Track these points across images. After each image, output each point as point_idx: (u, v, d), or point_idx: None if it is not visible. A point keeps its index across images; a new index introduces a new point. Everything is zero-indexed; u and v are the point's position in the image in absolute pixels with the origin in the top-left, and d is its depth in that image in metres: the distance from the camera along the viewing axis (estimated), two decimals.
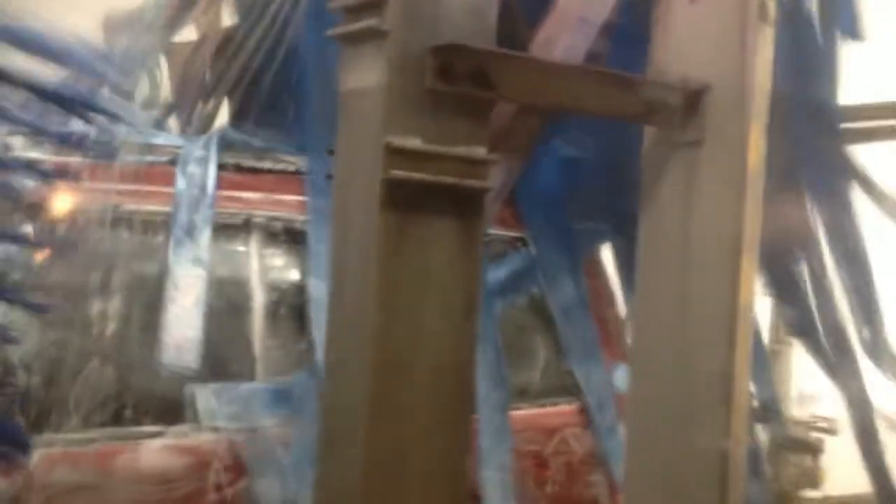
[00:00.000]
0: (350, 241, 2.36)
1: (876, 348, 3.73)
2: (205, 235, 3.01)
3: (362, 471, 2.25)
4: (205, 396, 2.90)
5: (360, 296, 2.30)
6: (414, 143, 2.31)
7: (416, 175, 2.30)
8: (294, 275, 3.28)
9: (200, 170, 3.05)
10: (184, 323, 2.90)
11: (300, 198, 3.26)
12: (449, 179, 2.35)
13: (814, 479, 5.25)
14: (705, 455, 2.68)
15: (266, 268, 3.16)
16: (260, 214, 3.20)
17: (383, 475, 2.27)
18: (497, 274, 3.64)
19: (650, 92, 2.80)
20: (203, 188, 3.08)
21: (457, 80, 2.37)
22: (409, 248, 2.31)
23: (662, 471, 2.76)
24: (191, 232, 3.02)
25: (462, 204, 2.38)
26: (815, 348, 3.70)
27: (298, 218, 3.21)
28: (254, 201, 3.25)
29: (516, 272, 3.68)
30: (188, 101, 3.59)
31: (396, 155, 2.28)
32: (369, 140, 2.32)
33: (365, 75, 2.35)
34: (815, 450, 5.31)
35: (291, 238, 3.23)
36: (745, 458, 2.70)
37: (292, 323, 3.20)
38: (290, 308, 3.19)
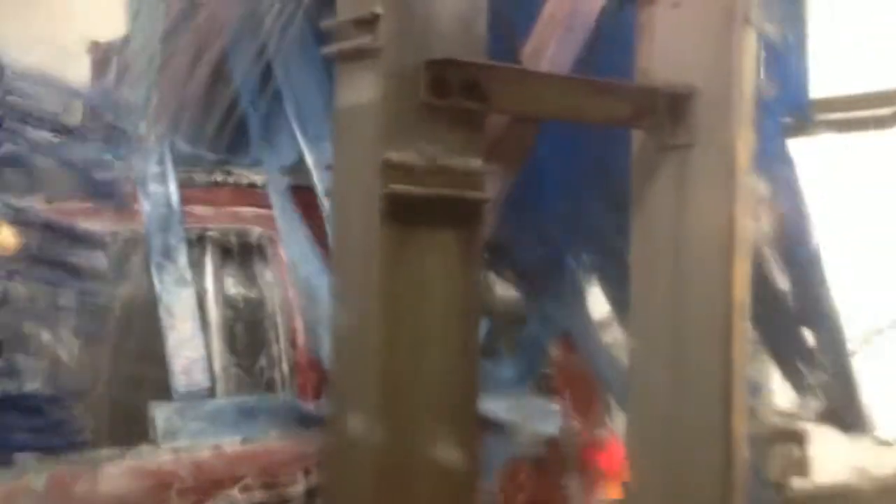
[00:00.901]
0: (352, 255, 2.39)
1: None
2: (182, 253, 3.00)
3: (374, 477, 2.29)
4: (165, 415, 2.84)
5: (363, 308, 2.34)
6: (411, 157, 2.35)
7: (415, 189, 2.34)
8: (252, 290, 3.22)
9: (162, 187, 3.04)
10: (188, 347, 2.90)
11: (256, 210, 3.22)
12: (447, 192, 2.39)
13: (802, 468, 5.28)
14: (708, 457, 2.73)
15: (222, 284, 3.14)
16: (214, 229, 3.15)
17: (393, 478, 2.31)
18: None
19: (638, 97, 2.86)
20: (169, 205, 3.07)
21: (450, 94, 2.41)
22: (410, 259, 2.35)
23: (665, 476, 2.80)
24: (168, 253, 3.01)
25: (460, 215, 2.43)
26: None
27: (255, 231, 3.16)
28: (207, 216, 3.19)
29: None
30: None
31: (394, 169, 2.32)
32: (367, 155, 2.36)
33: (360, 92, 2.39)
34: (800, 439, 5.34)
35: (248, 252, 3.18)
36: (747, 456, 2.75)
37: (250, 339, 3.15)
38: (248, 324, 3.14)
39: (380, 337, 2.31)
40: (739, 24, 2.85)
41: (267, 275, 3.20)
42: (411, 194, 2.33)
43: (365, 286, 2.34)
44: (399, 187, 2.31)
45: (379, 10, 2.35)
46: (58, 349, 2.72)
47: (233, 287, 3.17)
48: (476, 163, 2.45)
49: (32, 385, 2.67)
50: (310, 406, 3.03)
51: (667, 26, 2.94)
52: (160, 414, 2.85)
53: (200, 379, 2.87)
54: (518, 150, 2.80)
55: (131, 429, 2.84)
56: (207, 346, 2.99)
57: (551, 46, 2.86)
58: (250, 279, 3.19)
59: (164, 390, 2.90)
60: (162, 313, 2.95)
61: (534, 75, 2.67)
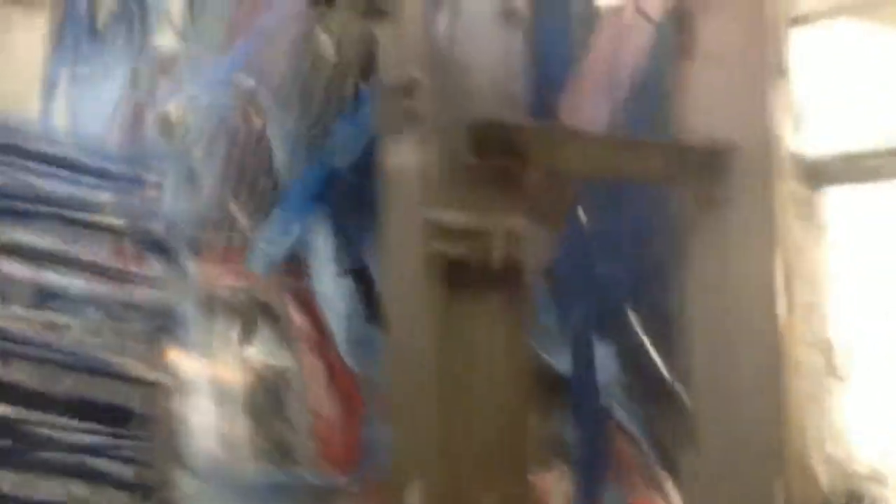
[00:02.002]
0: (401, 316, 2.41)
1: None
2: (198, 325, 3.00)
3: None
4: (192, 484, 2.81)
5: (415, 369, 2.35)
6: (456, 217, 2.38)
7: (461, 249, 2.36)
8: (273, 355, 3.19)
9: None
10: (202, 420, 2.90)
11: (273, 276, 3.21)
12: (492, 252, 2.41)
13: None
14: None
15: (242, 351, 3.12)
16: (232, 291, 3.13)
17: None
18: None
19: (675, 154, 2.87)
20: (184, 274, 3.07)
21: (491, 155, 2.45)
22: (457, 318, 2.36)
23: None
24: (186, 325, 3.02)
25: (506, 274, 2.44)
26: None
27: (273, 296, 3.14)
28: (223, 282, 3.18)
29: None
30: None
31: (440, 230, 2.35)
32: (412, 217, 2.39)
33: (404, 155, 2.43)
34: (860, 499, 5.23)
35: (261, 313, 3.16)
36: None
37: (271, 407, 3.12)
38: (269, 392, 3.11)
39: (429, 397, 2.32)
40: (774, 76, 2.88)
41: (288, 341, 3.18)
42: (456, 254, 2.35)
43: (413, 346, 2.36)
44: (444, 248, 2.33)
45: (418, 75, 2.40)
46: None
47: (254, 352, 3.17)
48: (519, 222, 2.47)
49: None
50: (335, 481, 3.01)
51: (702, 81, 2.96)
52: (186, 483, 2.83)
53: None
54: (560, 209, 2.83)
55: None
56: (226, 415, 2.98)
57: (588, 103, 2.90)
58: (272, 345, 3.19)
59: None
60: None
61: (571, 133, 2.71)
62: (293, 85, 3.04)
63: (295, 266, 3.26)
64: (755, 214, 2.86)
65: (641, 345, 3.36)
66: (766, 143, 2.85)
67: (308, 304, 3.20)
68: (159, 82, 3.33)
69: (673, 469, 3.31)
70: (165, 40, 3.36)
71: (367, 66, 2.56)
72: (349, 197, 3.07)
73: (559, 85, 2.94)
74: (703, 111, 2.94)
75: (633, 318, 3.44)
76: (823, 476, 3.68)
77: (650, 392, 3.35)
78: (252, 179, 3.20)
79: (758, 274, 2.84)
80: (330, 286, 3.18)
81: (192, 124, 3.16)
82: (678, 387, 3.08)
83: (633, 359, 3.38)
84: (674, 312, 2.94)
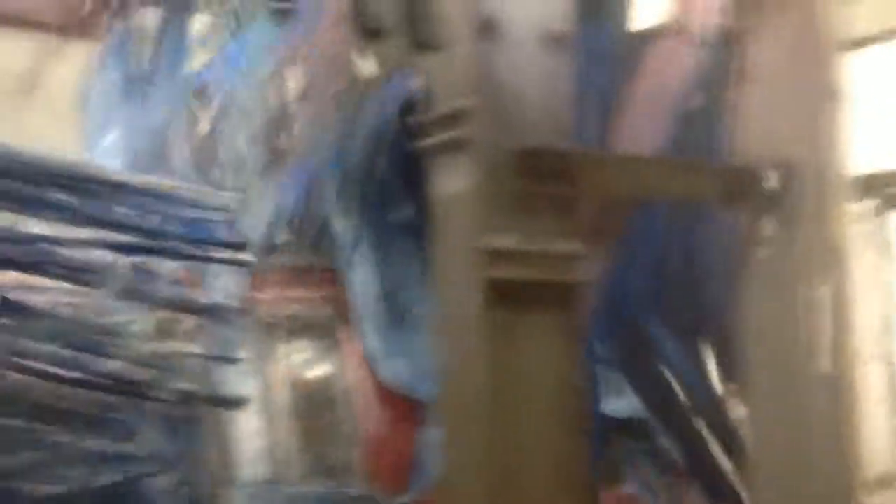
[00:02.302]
0: (456, 340, 2.43)
1: None
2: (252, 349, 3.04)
3: None
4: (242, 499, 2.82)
5: (470, 393, 2.37)
6: (509, 242, 2.40)
7: (514, 274, 2.38)
8: (319, 370, 3.21)
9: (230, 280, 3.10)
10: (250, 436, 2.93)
11: (317, 293, 3.23)
12: (545, 276, 2.42)
13: None
14: None
15: (290, 365, 3.14)
16: (281, 311, 3.16)
17: None
18: None
19: (730, 176, 2.86)
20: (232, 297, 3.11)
21: (542, 180, 2.46)
22: (512, 343, 2.37)
23: None
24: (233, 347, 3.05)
25: (558, 297, 2.45)
26: None
27: (318, 312, 3.16)
28: (269, 300, 3.22)
29: None
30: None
31: (493, 256, 2.37)
32: (466, 243, 2.41)
33: (455, 182, 2.46)
34: None
35: (313, 333, 3.18)
36: None
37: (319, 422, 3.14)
38: (316, 407, 3.13)
39: (483, 420, 2.33)
40: (830, 98, 2.86)
41: (336, 357, 3.20)
42: (510, 279, 2.37)
43: (468, 370, 2.37)
44: (498, 273, 2.35)
45: (469, 103, 2.43)
46: None
47: (301, 369, 3.18)
48: (571, 246, 2.48)
49: None
50: (384, 496, 3.02)
51: (759, 103, 2.95)
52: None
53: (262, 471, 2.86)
54: (611, 231, 2.83)
55: None
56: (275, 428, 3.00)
57: (638, 127, 2.90)
58: (319, 361, 3.21)
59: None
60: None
61: (622, 158, 2.72)
62: (339, 120, 3.09)
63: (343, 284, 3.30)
64: (813, 235, 2.84)
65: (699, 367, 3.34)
66: (823, 164, 2.83)
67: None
68: (205, 113, 3.41)
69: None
70: (206, 69, 3.43)
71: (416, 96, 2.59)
72: (393, 224, 3.10)
73: (608, 109, 2.95)
74: (757, 133, 2.93)
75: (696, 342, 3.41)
76: None
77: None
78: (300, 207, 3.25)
79: (818, 294, 2.82)
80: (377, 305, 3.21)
81: (238, 154, 3.23)
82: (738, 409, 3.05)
83: (690, 381, 3.36)
84: (733, 336, 2.92)
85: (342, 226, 3.17)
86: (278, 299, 3.24)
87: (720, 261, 3.02)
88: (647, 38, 3.07)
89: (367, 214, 3.12)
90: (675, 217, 3.05)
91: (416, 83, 2.60)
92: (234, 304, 3.06)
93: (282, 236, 3.24)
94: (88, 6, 4.42)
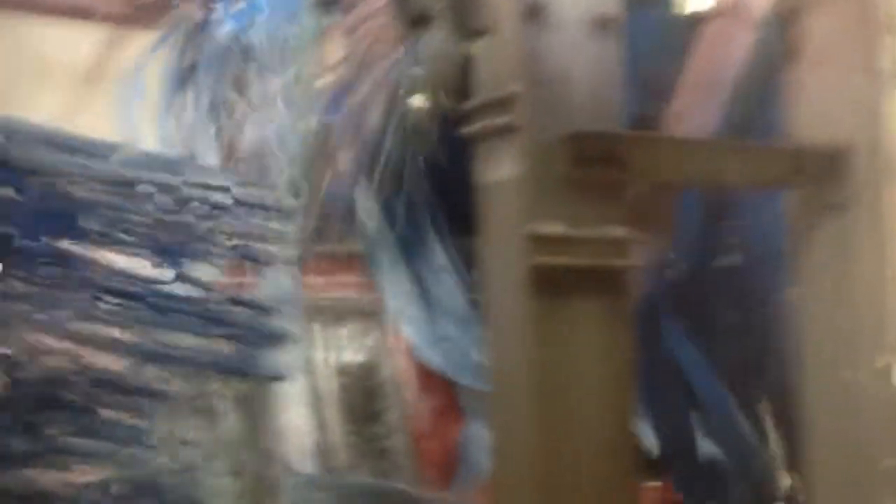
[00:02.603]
0: (502, 329, 2.42)
1: None
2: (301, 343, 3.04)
3: None
4: (296, 488, 2.84)
5: (516, 382, 2.36)
6: (556, 228, 2.38)
7: (561, 260, 2.36)
8: (365, 357, 3.21)
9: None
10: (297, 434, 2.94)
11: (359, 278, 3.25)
12: (593, 262, 2.40)
13: None
14: None
15: (336, 352, 3.15)
16: (325, 297, 3.17)
17: None
18: None
19: (787, 158, 2.81)
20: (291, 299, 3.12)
21: (590, 165, 2.44)
22: (560, 331, 2.36)
23: None
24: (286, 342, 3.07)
25: (607, 284, 2.43)
26: None
27: (362, 298, 3.17)
28: (319, 285, 3.23)
29: None
30: None
31: (540, 242, 2.35)
32: (512, 229, 2.40)
33: (502, 168, 2.45)
34: None
35: (359, 318, 3.18)
36: None
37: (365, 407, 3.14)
38: (362, 392, 3.14)
39: (532, 412, 2.32)
40: (886, 79, 2.79)
41: (380, 342, 3.20)
42: (558, 265, 2.35)
43: (516, 360, 2.36)
44: (545, 259, 2.34)
45: (517, 88, 2.41)
46: None
47: (346, 355, 3.19)
48: (620, 231, 2.46)
49: None
50: (431, 488, 3.01)
51: (813, 84, 2.89)
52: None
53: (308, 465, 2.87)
54: (664, 216, 2.79)
55: None
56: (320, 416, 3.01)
57: (693, 109, 2.86)
58: (363, 346, 3.21)
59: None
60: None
61: (673, 141, 2.68)
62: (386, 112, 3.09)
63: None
64: (871, 219, 2.78)
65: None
66: (879, 145, 2.76)
67: None
68: (253, 114, 3.44)
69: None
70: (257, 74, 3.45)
71: (464, 83, 2.58)
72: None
73: (659, 92, 2.91)
74: (813, 114, 2.88)
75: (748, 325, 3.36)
76: None
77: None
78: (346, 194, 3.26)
79: (875, 280, 2.76)
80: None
81: (288, 152, 3.24)
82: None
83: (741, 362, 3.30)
84: (788, 321, 2.88)
85: (370, 211, 3.18)
86: (324, 284, 3.25)
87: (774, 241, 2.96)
88: (701, 19, 3.03)
89: (398, 201, 3.12)
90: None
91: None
92: (287, 294, 3.08)
93: (328, 222, 3.26)
94: None
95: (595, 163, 2.45)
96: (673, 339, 3.13)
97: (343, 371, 3.13)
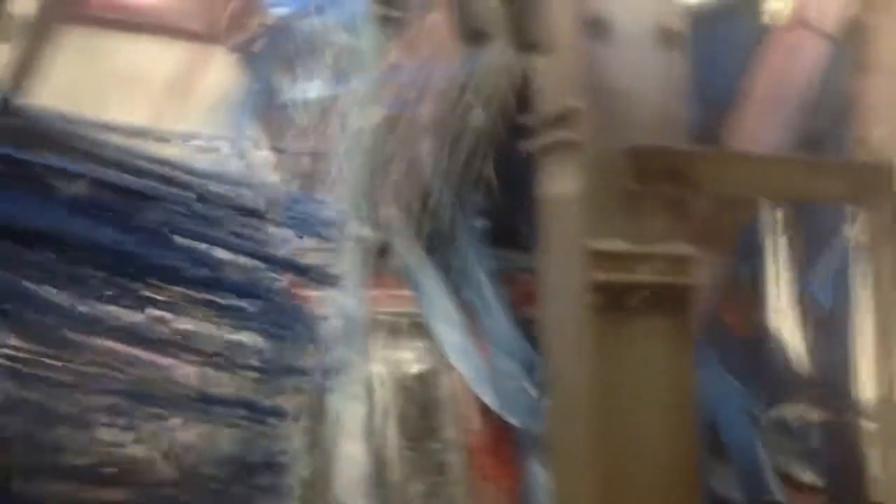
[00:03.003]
0: (562, 344, 2.40)
1: None
2: (361, 369, 3.04)
3: None
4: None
5: (575, 396, 2.33)
6: (615, 244, 2.35)
7: (621, 277, 2.33)
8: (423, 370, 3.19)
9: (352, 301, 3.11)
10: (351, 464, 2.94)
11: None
12: (653, 278, 2.37)
13: None
14: None
15: (393, 366, 3.13)
16: (383, 311, 3.16)
17: None
18: None
19: (855, 173, 2.74)
20: (354, 321, 3.13)
21: (654, 180, 2.41)
22: (620, 348, 2.33)
23: None
24: (346, 366, 3.06)
25: (669, 301, 2.39)
26: None
27: (420, 312, 3.16)
28: (375, 299, 3.23)
29: None
30: None
31: (600, 258, 2.32)
32: (572, 245, 2.37)
33: (563, 183, 2.43)
34: None
35: (419, 332, 3.17)
36: None
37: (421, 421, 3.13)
38: (419, 406, 3.12)
39: (591, 429, 2.29)
40: None
41: (437, 357, 3.18)
42: (617, 282, 2.32)
43: (575, 376, 2.34)
44: (603, 275, 2.31)
45: (578, 104, 2.39)
46: None
47: (403, 369, 3.17)
48: (683, 248, 2.42)
49: None
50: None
51: (882, 94, 2.83)
52: None
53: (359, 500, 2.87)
54: (731, 233, 2.75)
55: None
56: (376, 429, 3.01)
57: (758, 123, 2.81)
58: (420, 361, 3.19)
59: None
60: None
61: (742, 157, 2.63)
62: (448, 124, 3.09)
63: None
64: None
65: None
66: None
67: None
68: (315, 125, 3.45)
69: None
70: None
71: (524, 98, 2.56)
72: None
73: (725, 106, 2.86)
74: (882, 127, 2.81)
75: None
76: None
77: None
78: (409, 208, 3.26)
79: None
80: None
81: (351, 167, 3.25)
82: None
83: None
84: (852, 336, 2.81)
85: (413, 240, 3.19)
86: (385, 298, 3.25)
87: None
88: (770, 31, 2.97)
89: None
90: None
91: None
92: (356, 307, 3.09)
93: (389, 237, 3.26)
94: (233, 14, 4.55)
95: (657, 178, 2.41)
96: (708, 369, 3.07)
97: (400, 385, 3.13)
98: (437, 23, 2.97)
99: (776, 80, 2.86)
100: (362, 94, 3.14)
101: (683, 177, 2.43)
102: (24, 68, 4.97)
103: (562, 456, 2.38)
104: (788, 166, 2.60)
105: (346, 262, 3.05)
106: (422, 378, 3.17)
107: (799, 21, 2.91)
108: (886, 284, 2.77)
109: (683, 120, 2.49)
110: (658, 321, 2.38)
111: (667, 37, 2.50)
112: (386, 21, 2.86)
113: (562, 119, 2.42)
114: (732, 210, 2.73)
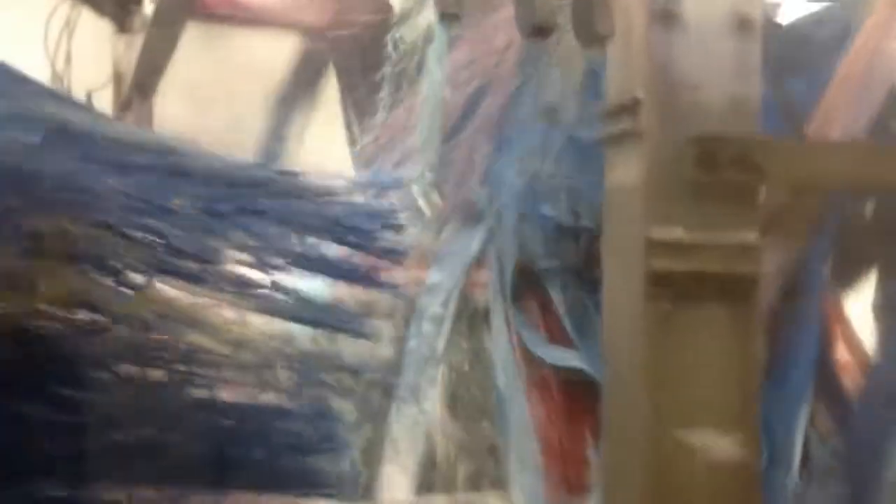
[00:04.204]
0: (619, 336, 2.42)
1: None
2: (431, 398, 3.07)
3: None
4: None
5: (631, 389, 2.35)
6: (676, 233, 2.35)
7: (680, 266, 2.33)
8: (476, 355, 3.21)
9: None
10: (397, 487, 2.97)
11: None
12: (715, 268, 2.36)
13: None
14: None
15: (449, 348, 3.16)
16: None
17: None
18: None
19: None
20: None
21: (720, 169, 2.39)
22: (677, 338, 2.33)
23: None
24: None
25: (732, 291, 2.37)
26: None
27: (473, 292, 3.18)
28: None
29: None
30: None
31: (658, 247, 2.33)
32: (632, 234, 2.39)
33: (625, 173, 2.44)
34: None
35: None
36: None
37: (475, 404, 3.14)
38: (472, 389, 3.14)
39: (648, 422, 2.30)
40: None
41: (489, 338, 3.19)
42: (676, 271, 2.32)
43: (632, 367, 2.35)
44: (662, 264, 2.32)
45: (640, 94, 2.40)
46: None
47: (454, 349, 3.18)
48: (749, 237, 2.40)
49: None
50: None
51: None
52: None
53: None
54: (802, 222, 2.70)
55: None
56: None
57: (842, 111, 2.74)
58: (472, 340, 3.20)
59: None
60: (387, 444, 3.03)
61: (812, 145, 2.58)
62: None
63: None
64: None
65: None
66: None
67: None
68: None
69: None
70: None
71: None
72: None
73: (808, 95, 2.79)
74: None
75: None
76: None
77: None
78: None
79: None
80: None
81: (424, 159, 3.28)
82: None
83: None
84: None
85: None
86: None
87: None
88: (858, 13, 2.88)
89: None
90: None
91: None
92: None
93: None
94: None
95: (724, 167, 2.39)
96: None
97: (451, 365, 3.17)
98: (502, 19, 3.00)
99: (864, 65, 2.78)
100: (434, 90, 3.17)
101: (750, 165, 2.41)
102: (150, 65, 5.23)
103: (616, 449, 2.40)
104: (863, 154, 2.53)
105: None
106: (473, 359, 3.19)
107: (891, 3, 2.82)
108: None
109: (755, 110, 2.46)
110: (720, 311, 2.37)
111: (741, 25, 2.47)
112: (450, 18, 2.89)
113: (625, 109, 2.43)
114: (805, 199, 2.68)
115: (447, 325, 3.19)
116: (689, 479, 2.29)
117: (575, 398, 3.07)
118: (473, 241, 3.27)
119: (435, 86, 3.11)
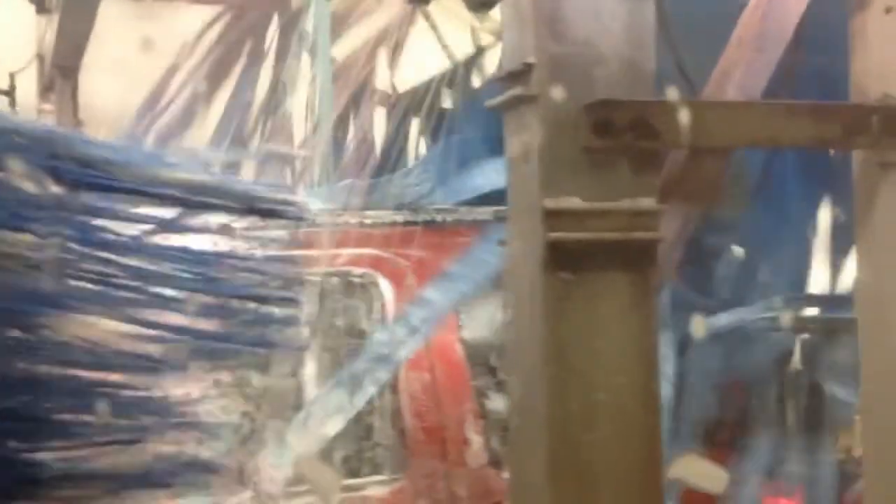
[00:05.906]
0: (519, 305, 2.39)
1: None
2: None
3: None
4: None
5: (533, 359, 2.32)
6: (573, 202, 2.32)
7: (577, 234, 2.30)
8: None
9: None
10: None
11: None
12: (613, 235, 2.33)
13: None
14: None
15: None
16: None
17: None
18: None
19: (848, 116, 2.63)
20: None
21: (616, 134, 2.36)
22: (576, 306, 2.30)
23: None
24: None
25: (631, 257, 2.35)
26: None
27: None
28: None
29: None
30: None
31: (555, 217, 2.30)
32: (530, 203, 2.35)
33: (521, 140, 2.40)
34: None
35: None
36: None
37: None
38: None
39: (549, 390, 2.28)
40: None
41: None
42: (573, 240, 2.29)
43: (532, 337, 2.33)
44: (559, 234, 2.28)
45: (531, 59, 2.35)
46: None
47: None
48: (647, 202, 2.37)
49: None
50: None
51: (880, 34, 2.70)
52: None
53: None
54: (702, 186, 2.68)
55: None
56: None
57: (738, 71, 2.71)
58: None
59: None
60: None
61: (708, 105, 2.55)
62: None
63: None
64: None
65: None
66: None
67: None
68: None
69: None
70: None
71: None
72: None
73: (703, 53, 2.76)
74: (882, 65, 2.68)
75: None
76: None
77: None
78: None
79: None
80: None
81: None
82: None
83: None
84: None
85: None
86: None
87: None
88: None
89: None
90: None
91: None
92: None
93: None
94: None
95: (620, 132, 2.36)
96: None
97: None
98: None
99: (762, 21, 2.75)
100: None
101: (646, 129, 2.37)
102: (68, 45, 5.08)
103: (519, 420, 2.39)
104: (771, 112, 2.49)
105: None
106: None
107: None
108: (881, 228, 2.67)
109: (650, 73, 2.42)
110: (620, 278, 2.34)
111: None
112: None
113: (518, 75, 2.39)
114: (710, 160, 2.65)
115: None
116: (594, 452, 2.27)
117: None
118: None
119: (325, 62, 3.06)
